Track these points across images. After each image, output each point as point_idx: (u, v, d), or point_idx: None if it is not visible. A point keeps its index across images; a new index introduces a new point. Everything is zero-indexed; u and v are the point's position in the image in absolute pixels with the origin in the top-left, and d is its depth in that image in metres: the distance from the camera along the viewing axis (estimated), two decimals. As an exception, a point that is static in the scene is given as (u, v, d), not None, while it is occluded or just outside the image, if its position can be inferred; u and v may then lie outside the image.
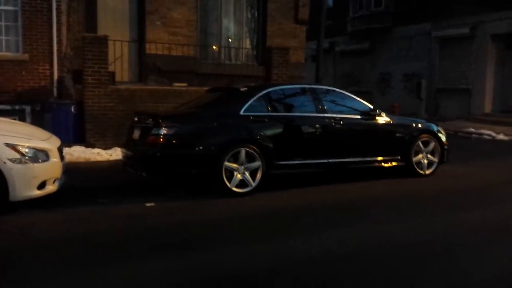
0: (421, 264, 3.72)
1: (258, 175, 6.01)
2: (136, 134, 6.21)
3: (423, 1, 19.22)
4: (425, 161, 7.37)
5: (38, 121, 9.20)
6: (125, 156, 6.41)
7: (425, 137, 7.38)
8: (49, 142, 5.48)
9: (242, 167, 5.93)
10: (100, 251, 3.98)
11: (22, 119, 9.33)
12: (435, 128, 7.60)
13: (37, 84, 9.68)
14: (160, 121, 5.82)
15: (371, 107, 7.15)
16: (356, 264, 3.70)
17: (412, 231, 4.62)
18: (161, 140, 5.71)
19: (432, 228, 4.72)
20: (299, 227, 4.74)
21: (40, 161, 5.13)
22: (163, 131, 5.72)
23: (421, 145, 7.32)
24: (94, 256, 3.84)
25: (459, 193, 6.41)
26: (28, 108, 9.51)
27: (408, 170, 7.26)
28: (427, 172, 7.37)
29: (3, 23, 9.45)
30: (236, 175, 5.90)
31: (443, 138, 7.58)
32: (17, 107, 9.42)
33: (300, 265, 3.66)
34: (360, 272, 3.55)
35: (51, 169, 5.28)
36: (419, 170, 7.30)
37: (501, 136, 13.37)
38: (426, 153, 7.37)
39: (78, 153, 8.28)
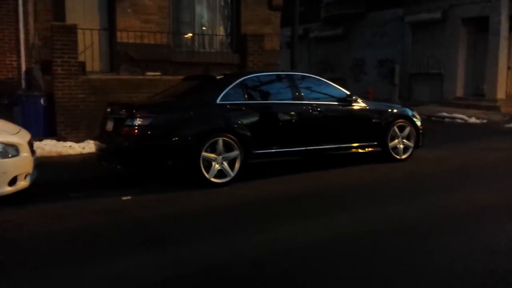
0: (394, 251, 3.74)
1: (237, 165, 5.94)
2: (110, 125, 6.04)
3: (395, -15, 19.31)
4: (401, 146, 7.43)
5: (6, 114, 8.82)
6: (99, 149, 6.24)
7: (400, 122, 7.43)
8: (18, 136, 5.28)
9: (220, 157, 5.85)
10: (77, 248, 3.86)
11: (-11, 112, 9.00)
12: (410, 113, 7.67)
13: (4, 76, 9.32)
14: (134, 111, 5.67)
15: (348, 93, 7.14)
16: (337, 252, 3.69)
17: (389, 217, 4.63)
18: (136, 131, 5.56)
19: (408, 213, 4.76)
20: (279, 216, 4.70)
21: (9, 156, 4.95)
22: (138, 121, 5.57)
23: (396, 130, 7.37)
24: (71, 254, 3.71)
25: (434, 177, 6.49)
26: (-5, 101, 9.15)
27: (384, 155, 7.32)
28: (403, 156, 7.44)
29: (-35, 13, 9.05)
30: (214, 165, 5.81)
31: (418, 123, 7.65)
32: (-17, 100, 9.06)
33: (284, 255, 3.62)
34: (341, 261, 3.53)
35: (22, 164, 5.09)
36: (395, 155, 7.36)
37: (473, 120, 13.65)
38: (402, 138, 7.43)
39: (49, 147, 8.03)
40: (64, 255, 3.68)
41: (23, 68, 9.37)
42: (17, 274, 3.35)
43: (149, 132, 5.62)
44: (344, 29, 22.08)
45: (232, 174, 5.91)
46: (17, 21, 9.18)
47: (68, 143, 8.37)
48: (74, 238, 4.10)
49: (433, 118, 14.14)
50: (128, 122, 5.63)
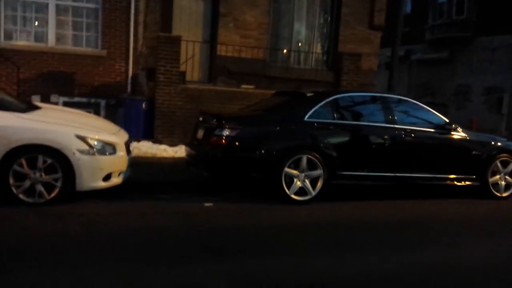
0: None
1: (319, 184, 5.82)
2: (200, 133, 6.26)
3: (508, 10, 17.94)
4: (503, 182, 6.80)
5: (111, 115, 9.61)
6: (189, 155, 6.48)
7: (504, 156, 6.82)
8: (117, 136, 5.64)
9: (303, 174, 5.77)
10: (152, 248, 3.99)
11: (97, 112, 9.78)
12: (516, 147, 7.00)
13: (113, 80, 10.10)
14: (224, 122, 5.81)
15: (446, 120, 6.70)
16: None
17: (478, 257, 4.22)
18: (224, 141, 5.69)
19: (494, 257, 4.30)
20: (356, 243, 4.49)
21: (107, 153, 5.29)
22: (226, 132, 5.70)
23: (499, 165, 6.76)
24: (144, 253, 3.85)
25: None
26: (103, 102, 9.94)
27: (482, 191, 6.74)
28: (504, 194, 6.80)
29: (84, 20, 9.98)
30: (296, 182, 5.75)
31: (525, 159, 6.95)
32: (92, 100, 9.89)
33: (351, 284, 3.44)
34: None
35: (117, 162, 5.43)
36: (495, 192, 6.75)
37: None
38: (505, 174, 6.81)
39: (145, 148, 8.52)
40: (133, 253, 3.81)
41: (130, 73, 10.09)
42: (80, 264, 3.50)
43: (236, 143, 5.72)
44: (449, 52, 20.94)
45: (314, 193, 5.80)
46: (128, 30, 9.94)
47: (163, 146, 8.82)
48: (151, 238, 4.25)
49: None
50: (217, 132, 5.77)
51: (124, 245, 4.03)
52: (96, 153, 5.18)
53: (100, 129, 5.58)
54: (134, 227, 4.54)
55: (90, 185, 5.18)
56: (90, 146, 5.15)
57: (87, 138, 5.16)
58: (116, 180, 5.45)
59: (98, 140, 5.24)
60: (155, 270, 3.50)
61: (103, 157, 5.24)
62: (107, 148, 5.31)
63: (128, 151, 5.75)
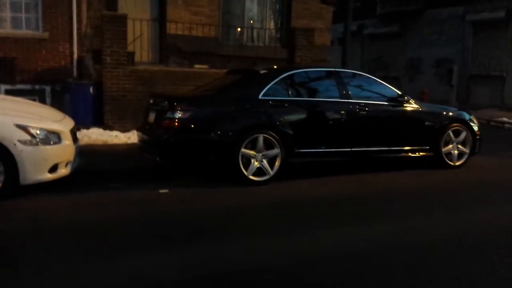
0: (434, 265, 3.41)
1: (277, 163, 5.74)
2: (152, 117, 6.00)
3: (457, -18, 18.32)
4: (456, 151, 6.95)
5: (58, 101, 9.12)
6: (141, 140, 6.23)
7: (456, 126, 6.95)
8: (61, 123, 5.32)
9: (260, 154, 5.66)
10: (105, 239, 3.80)
11: (42, 99, 9.28)
12: (467, 116, 7.16)
13: (57, 64, 9.58)
14: (175, 104, 5.58)
15: (399, 92, 6.74)
16: (372, 266, 3.41)
17: (436, 228, 4.28)
18: (176, 124, 5.48)
19: (458, 224, 4.38)
20: (317, 220, 4.45)
21: (51, 143, 4.98)
22: (178, 114, 5.48)
23: (451, 134, 6.90)
24: (98, 245, 3.66)
25: (491, 187, 6.00)
26: (48, 88, 9.44)
27: (437, 161, 6.87)
28: (457, 163, 6.96)
29: (23, 1, 9.33)
30: (254, 162, 5.64)
31: (476, 128, 7.13)
32: (37, 87, 9.36)
33: (313, 265, 3.39)
34: (376, 272, 3.26)
35: (63, 151, 5.13)
36: (448, 161, 6.89)
37: (536, 126, 12.70)
38: (457, 143, 6.95)
39: (95, 135, 8.15)
40: (86, 248, 3.62)
41: (75, 56, 9.59)
42: (32, 264, 3.29)
43: (189, 126, 5.52)
44: (400, 26, 21.25)
45: (272, 172, 5.72)
46: (70, 10, 9.40)
47: (114, 133, 8.46)
48: (103, 230, 4.05)
49: (492, 123, 13.28)
50: (169, 115, 5.55)
51: (72, 238, 3.81)
52: (39, 143, 4.86)
53: (43, 117, 5.23)
54: (83, 219, 4.31)
55: (35, 178, 4.87)
56: (32, 135, 4.83)
57: (28, 128, 4.83)
58: (63, 171, 5.15)
59: (40, 129, 4.91)
60: (105, 262, 3.33)
61: (47, 147, 4.92)
62: (51, 137, 5.00)
63: (75, 139, 5.45)
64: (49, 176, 4.98)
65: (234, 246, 3.71)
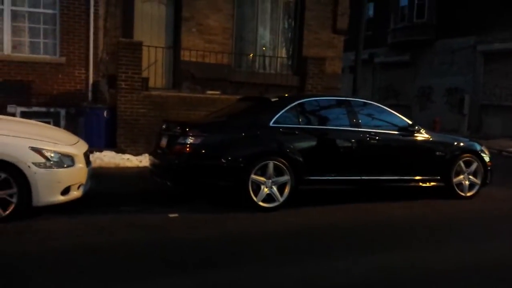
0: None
1: (286, 190, 5.75)
2: (164, 142, 6.08)
3: (467, 13, 18.50)
4: (467, 182, 6.91)
5: (72, 124, 9.29)
6: (152, 164, 6.29)
7: (467, 156, 6.93)
8: (75, 147, 5.41)
9: (270, 181, 5.69)
10: (114, 264, 3.81)
11: (57, 122, 9.44)
12: (478, 147, 7.14)
13: (73, 88, 9.77)
14: (187, 129, 5.66)
15: (410, 122, 6.76)
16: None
17: (446, 261, 4.23)
18: (188, 149, 5.54)
19: (467, 259, 4.33)
20: (327, 249, 4.43)
21: (65, 166, 5.05)
22: (190, 140, 5.56)
23: (462, 165, 6.87)
24: (106, 270, 3.67)
25: (501, 220, 5.93)
26: (62, 111, 9.61)
27: (447, 191, 6.83)
28: (468, 194, 6.91)
29: (41, 26, 9.61)
30: (263, 189, 5.66)
31: (487, 159, 7.10)
32: (52, 109, 9.54)
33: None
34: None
35: (76, 174, 5.19)
36: (459, 192, 6.85)
37: (549, 158, 12.57)
38: (468, 174, 6.92)
39: (108, 158, 8.26)
40: (94, 272, 3.63)
41: (91, 80, 9.79)
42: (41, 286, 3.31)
43: (200, 151, 5.58)
44: (411, 55, 21.43)
45: (281, 199, 5.73)
46: (88, 36, 9.65)
47: (127, 156, 8.57)
48: (111, 254, 4.06)
49: (504, 153, 13.18)
50: (181, 140, 5.62)
51: (80, 262, 3.83)
52: (53, 166, 4.93)
53: (57, 140, 5.32)
54: (93, 242, 4.33)
55: (47, 200, 4.93)
56: (47, 158, 4.91)
57: (43, 150, 4.91)
58: (75, 193, 5.21)
59: (54, 152, 5.00)
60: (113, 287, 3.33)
61: (60, 170, 5.00)
62: (65, 160, 5.07)
63: (88, 162, 5.52)
64: (62, 199, 5.03)
65: (245, 273, 3.69)
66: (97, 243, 4.31)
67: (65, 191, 5.05)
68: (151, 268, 3.74)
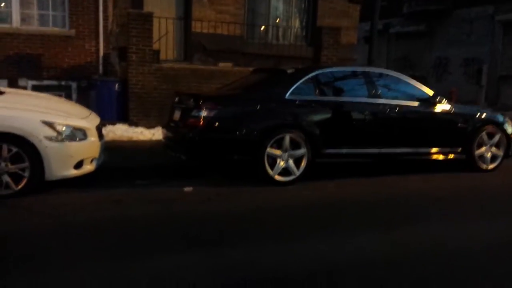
0: (466, 274, 3.23)
1: (303, 163, 5.61)
2: (177, 115, 5.95)
3: (487, -19, 17.82)
4: (489, 154, 6.70)
5: (83, 97, 9.18)
6: (166, 137, 6.18)
7: (489, 128, 6.70)
8: (87, 120, 5.30)
9: (286, 154, 5.54)
10: (128, 238, 3.74)
11: (68, 95, 9.35)
12: (501, 119, 6.90)
13: (83, 61, 9.62)
14: (201, 102, 5.50)
15: (431, 93, 6.51)
16: (401, 272, 3.25)
17: (468, 235, 4.08)
18: (201, 122, 5.40)
19: (489, 233, 4.17)
20: (344, 223, 4.31)
21: (77, 139, 4.97)
22: (204, 113, 5.40)
23: (485, 137, 6.65)
24: (121, 244, 3.60)
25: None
26: (74, 84, 9.50)
27: (469, 163, 6.63)
28: (490, 166, 6.71)
29: (50, -2, 9.41)
30: (279, 162, 5.52)
31: (510, 130, 6.87)
32: (63, 83, 9.43)
33: (342, 272, 3.24)
34: (403, 279, 3.11)
35: (89, 148, 5.11)
36: (481, 165, 6.65)
37: None
38: (490, 146, 6.70)
39: (121, 131, 8.16)
40: (109, 246, 3.56)
41: (101, 53, 9.62)
42: (54, 262, 3.25)
43: (214, 124, 5.43)
44: (427, 25, 20.81)
45: (298, 172, 5.59)
46: (97, 7, 9.42)
47: (139, 129, 8.46)
48: (127, 227, 3.99)
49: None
50: (194, 113, 5.48)
51: (97, 237, 3.77)
52: (65, 140, 4.85)
53: (69, 114, 5.22)
54: (108, 216, 4.27)
55: (60, 174, 4.87)
56: (58, 132, 4.82)
57: (54, 124, 4.83)
58: (88, 167, 5.13)
59: (66, 126, 4.90)
60: (130, 262, 3.25)
61: (72, 144, 4.91)
62: (77, 134, 4.98)
63: (101, 135, 5.42)
64: (74, 172, 4.96)
65: (263, 250, 3.58)
66: (112, 218, 4.24)
67: (78, 165, 4.98)
68: (166, 243, 3.66)
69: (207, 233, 3.92)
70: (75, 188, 5.02)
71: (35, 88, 8.77)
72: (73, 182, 5.01)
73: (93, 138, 5.14)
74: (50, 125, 4.79)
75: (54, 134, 4.78)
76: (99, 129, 5.40)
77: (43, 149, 4.71)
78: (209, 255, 3.45)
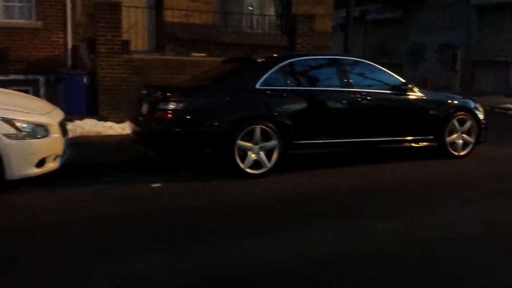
0: (442, 265, 3.20)
1: (274, 155, 5.52)
2: (145, 108, 5.78)
3: (462, -35, 17.88)
4: (460, 141, 6.71)
5: (52, 91, 8.90)
6: (134, 132, 6.02)
7: (461, 114, 6.70)
8: (49, 116, 5.10)
9: (257, 146, 5.44)
10: (94, 239, 3.60)
11: (36, 89, 9.04)
12: (472, 105, 6.90)
13: (51, 53, 9.30)
14: (169, 94, 5.35)
15: (403, 81, 6.48)
16: (378, 264, 3.21)
17: (442, 224, 4.06)
18: (169, 115, 5.25)
19: (462, 221, 4.17)
20: (317, 217, 4.24)
21: (38, 136, 4.77)
22: (172, 105, 5.25)
23: (456, 123, 6.65)
24: (85, 245, 3.46)
25: (496, 179, 5.77)
26: (42, 78, 9.18)
27: (441, 150, 6.63)
28: (462, 153, 6.73)
29: (15, -12, 9.06)
30: (250, 155, 5.42)
31: (481, 116, 6.88)
32: (30, 77, 9.10)
33: (317, 266, 3.18)
34: (381, 274, 3.06)
35: (51, 145, 4.92)
36: (452, 151, 6.66)
37: (543, 113, 12.42)
38: (462, 132, 6.71)
39: (89, 126, 7.93)
40: (74, 248, 3.43)
41: (69, 45, 9.30)
42: (18, 265, 3.12)
43: (183, 117, 5.29)
44: (403, 11, 20.85)
45: (269, 165, 5.50)
46: (64, -2, 9.11)
47: (109, 123, 8.24)
48: (92, 228, 3.85)
49: (497, 110, 13.00)
50: (162, 106, 5.32)
51: (59, 239, 3.62)
52: (25, 137, 4.66)
53: (30, 110, 5.01)
54: (71, 216, 4.13)
55: (21, 173, 4.67)
56: (18, 129, 4.63)
57: (13, 121, 4.62)
58: (52, 165, 4.94)
59: (27, 122, 4.70)
60: (93, 264, 3.13)
61: (34, 141, 4.72)
62: (38, 131, 4.78)
63: (65, 131, 5.24)
64: (37, 171, 4.77)
65: (231, 247, 3.49)
66: (76, 218, 4.10)
67: (40, 163, 4.79)
68: (132, 242, 3.54)
69: (175, 231, 3.80)
70: (39, 188, 4.84)
71: (0, 83, 8.45)
72: (37, 181, 4.83)
73: (55, 134, 4.95)
74: (9, 122, 4.59)
75: (13, 131, 4.59)
76: (62, 124, 5.22)
77: (2, 147, 4.51)
78: (179, 253, 3.34)
